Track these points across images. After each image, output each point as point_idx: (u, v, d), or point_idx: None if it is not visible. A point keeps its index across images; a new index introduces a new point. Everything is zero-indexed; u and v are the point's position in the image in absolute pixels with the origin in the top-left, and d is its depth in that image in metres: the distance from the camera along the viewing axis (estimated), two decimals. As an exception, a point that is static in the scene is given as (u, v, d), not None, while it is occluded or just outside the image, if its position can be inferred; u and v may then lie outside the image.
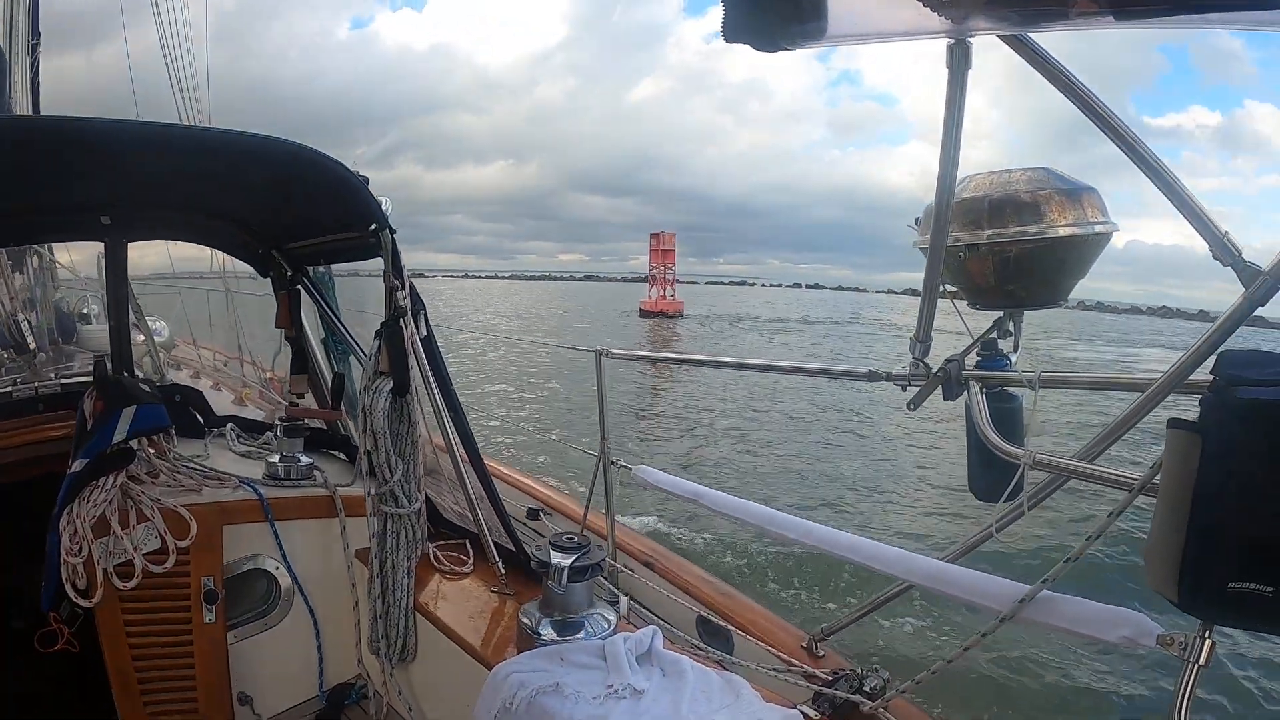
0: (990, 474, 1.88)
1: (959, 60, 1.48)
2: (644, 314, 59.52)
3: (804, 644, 2.35)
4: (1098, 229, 1.84)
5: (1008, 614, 1.55)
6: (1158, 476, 1.29)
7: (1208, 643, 1.24)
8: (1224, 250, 1.44)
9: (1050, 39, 1.45)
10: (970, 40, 1.45)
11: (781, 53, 1.35)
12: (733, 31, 1.27)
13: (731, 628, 2.47)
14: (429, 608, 2.23)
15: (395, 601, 2.26)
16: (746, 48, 1.34)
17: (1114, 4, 1.08)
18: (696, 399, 17.51)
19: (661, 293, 60.75)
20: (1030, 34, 1.41)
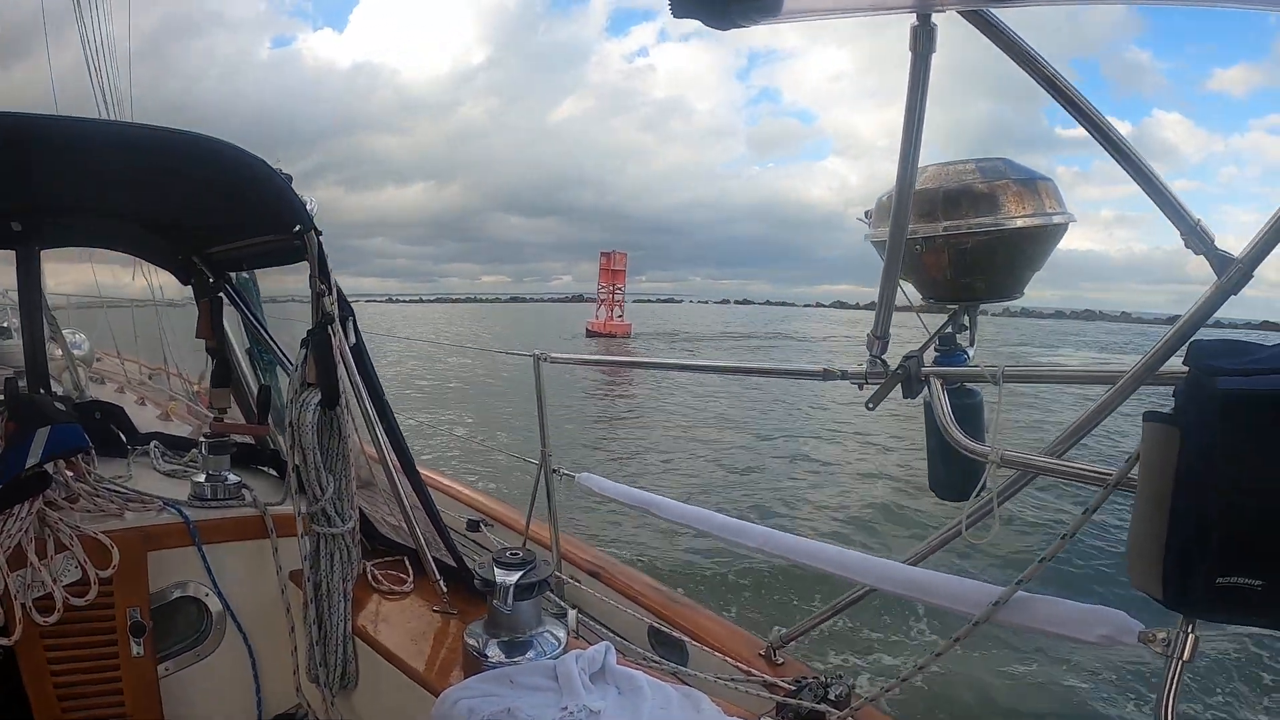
0: (952, 472, 1.84)
1: (923, 41, 1.42)
2: (590, 334, 58.51)
3: (762, 652, 2.27)
4: (1055, 220, 1.81)
5: (981, 617, 1.50)
6: (1133, 471, 1.27)
7: (1191, 637, 1.21)
8: (1197, 238, 1.41)
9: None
10: (935, 24, 1.39)
11: (734, 29, 1.28)
12: (681, 4, 1.17)
13: (685, 637, 2.39)
14: (369, 631, 2.10)
15: (332, 626, 2.13)
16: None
17: None
18: (646, 407, 17.39)
19: (609, 314, 59.84)
20: (995, 10, 1.36)
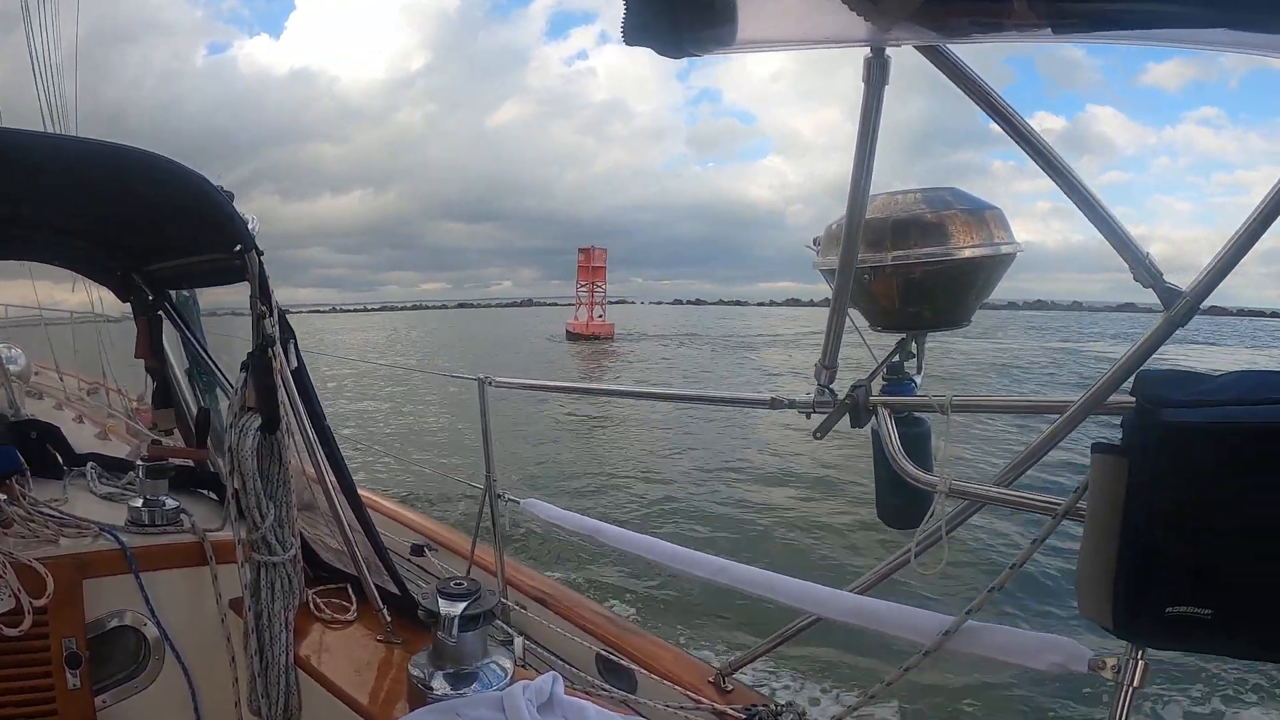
0: (900, 501, 1.84)
1: (877, 72, 1.42)
2: (571, 337, 55.85)
3: (711, 679, 2.25)
4: (1004, 249, 1.83)
5: (931, 646, 1.51)
6: (1082, 501, 1.29)
7: (1141, 664, 1.23)
8: (1145, 272, 1.42)
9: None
10: (889, 56, 1.40)
11: (687, 58, 1.28)
12: (634, 33, 1.18)
13: (634, 665, 2.36)
14: (311, 662, 2.05)
15: (274, 657, 2.06)
16: (647, 52, 1.25)
17: (1052, 17, 1.04)
18: (600, 427, 17.19)
19: (590, 314, 57.21)
20: (951, 45, 1.37)
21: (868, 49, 1.41)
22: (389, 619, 2.17)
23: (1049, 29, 1.06)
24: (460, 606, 1.69)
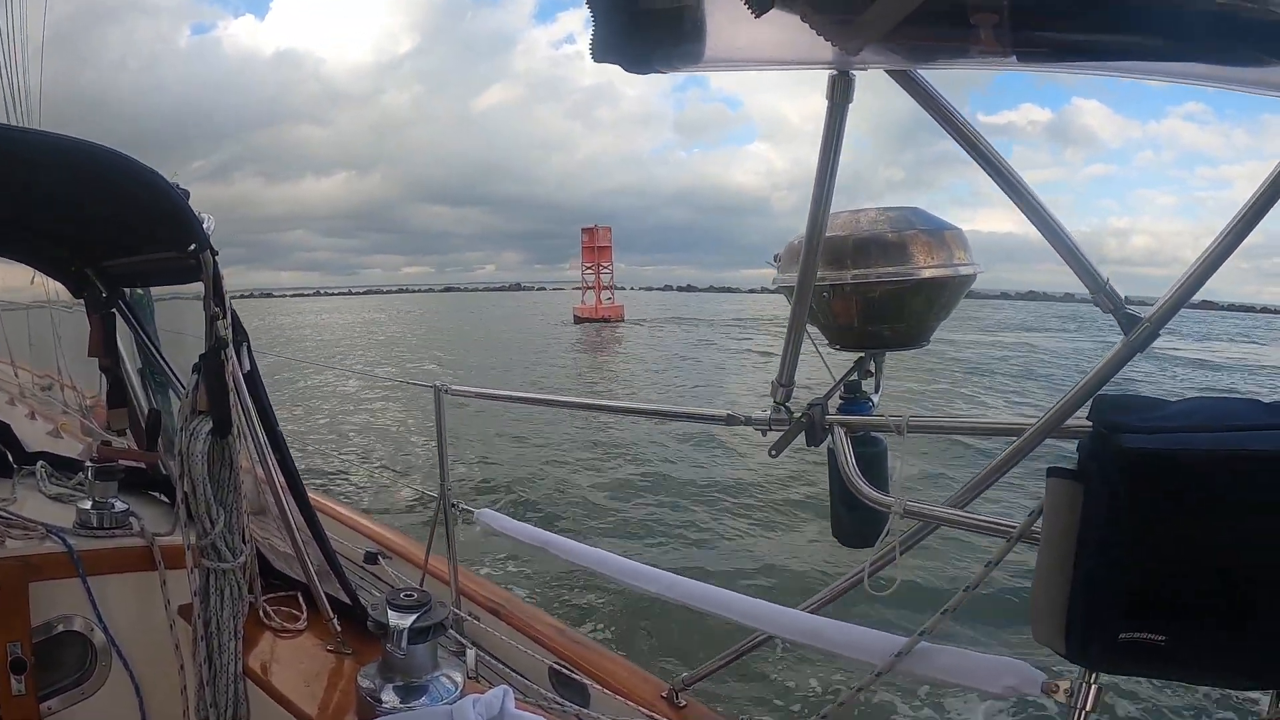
0: (855, 520, 1.84)
1: (841, 93, 1.43)
2: (579, 321, 53.47)
3: (664, 694, 2.24)
4: (963, 270, 1.84)
5: (884, 668, 1.51)
6: (1036, 524, 1.28)
7: (1094, 688, 1.23)
8: (1106, 297, 1.44)
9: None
10: (854, 75, 1.40)
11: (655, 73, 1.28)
12: (602, 50, 1.19)
13: (587, 679, 2.35)
14: (260, 672, 2.01)
15: (222, 666, 2.02)
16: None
17: (1017, 46, 1.05)
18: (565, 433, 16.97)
19: (598, 297, 54.77)
20: (919, 69, 1.38)
21: (831, 69, 1.41)
22: (339, 629, 2.13)
23: (1014, 57, 1.08)
24: (410, 619, 1.67)
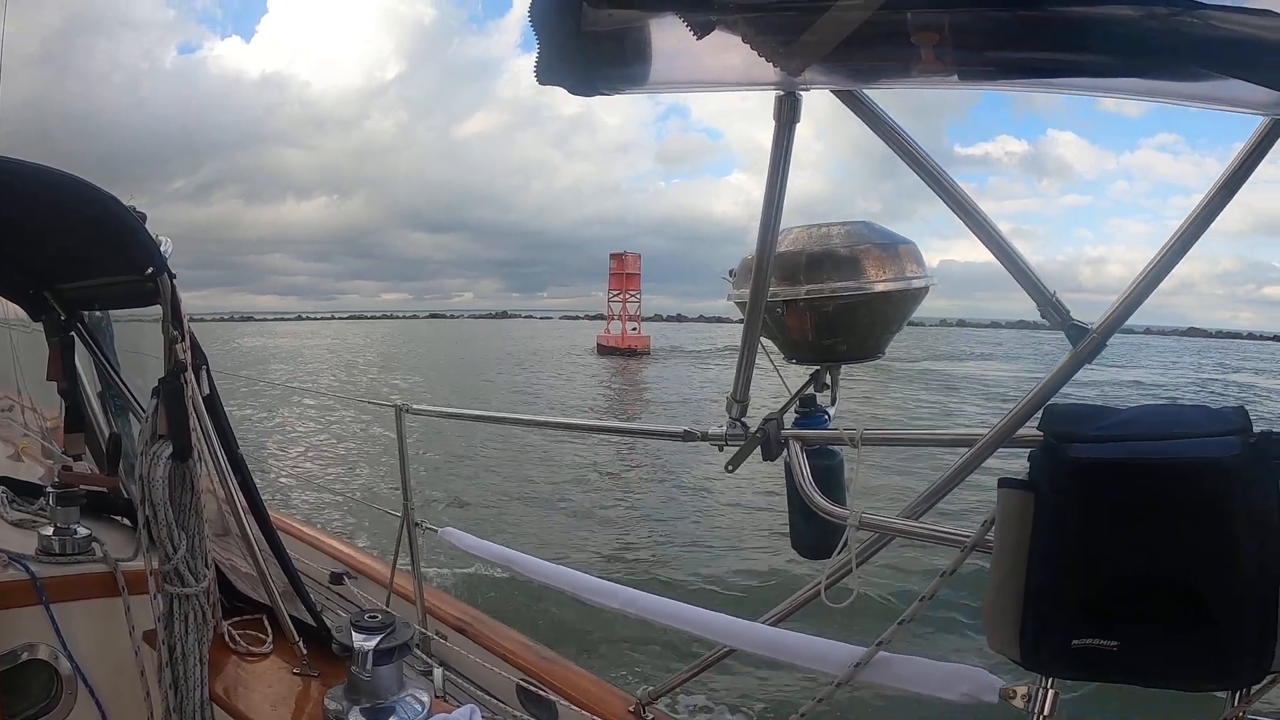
0: (814, 532, 1.86)
1: (787, 113, 1.44)
2: (603, 351, 51.33)
3: (631, 708, 2.25)
4: (915, 284, 1.86)
5: (844, 678, 1.53)
6: (989, 534, 1.30)
7: (1051, 693, 1.26)
8: (1053, 310, 1.46)
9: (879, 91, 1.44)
10: (800, 95, 1.41)
11: (599, 96, 1.28)
12: (547, 73, 1.19)
13: (554, 696, 2.35)
14: (227, 697, 1.99)
15: (188, 692, 1.99)
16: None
17: (958, 64, 1.07)
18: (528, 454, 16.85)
19: (624, 326, 52.02)
20: (864, 89, 1.39)
21: (778, 90, 1.42)
22: (305, 651, 2.12)
23: (955, 76, 1.09)
24: (374, 640, 1.66)
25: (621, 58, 1.20)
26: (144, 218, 1.99)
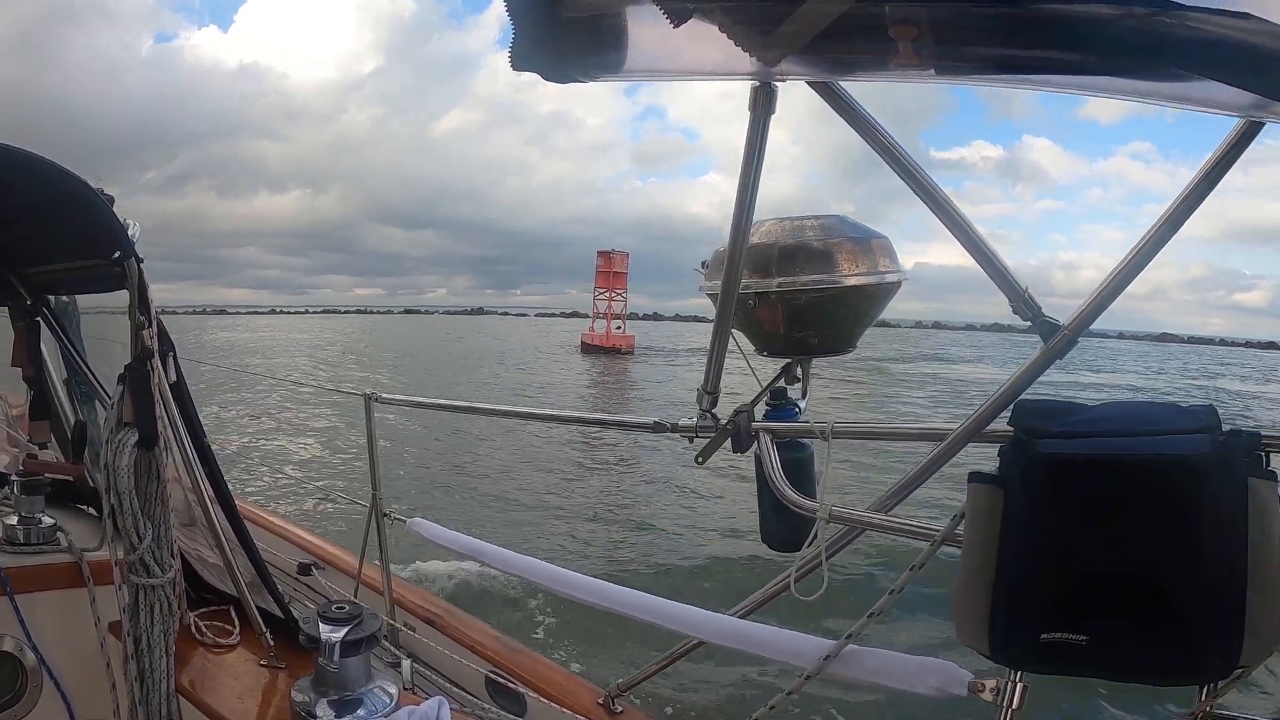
0: (783, 525, 1.85)
1: (762, 103, 1.44)
2: (586, 350, 50.74)
3: (601, 700, 2.25)
4: (889, 279, 1.87)
5: (813, 671, 1.53)
6: (959, 528, 1.30)
7: (1020, 686, 1.26)
8: (1025, 306, 1.47)
9: (855, 86, 1.44)
10: (776, 85, 1.41)
11: (573, 84, 1.28)
12: (521, 59, 1.18)
13: (523, 688, 2.33)
14: (193, 689, 1.96)
15: (154, 684, 1.96)
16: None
17: (935, 58, 1.07)
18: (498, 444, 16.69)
19: (608, 325, 51.41)
20: (840, 81, 1.39)
21: (754, 81, 1.42)
22: (272, 643, 2.10)
23: (932, 70, 1.09)
24: (341, 631, 1.64)
25: (597, 45, 1.19)
26: (112, 200, 1.95)
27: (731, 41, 1.10)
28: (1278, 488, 1.10)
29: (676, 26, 1.04)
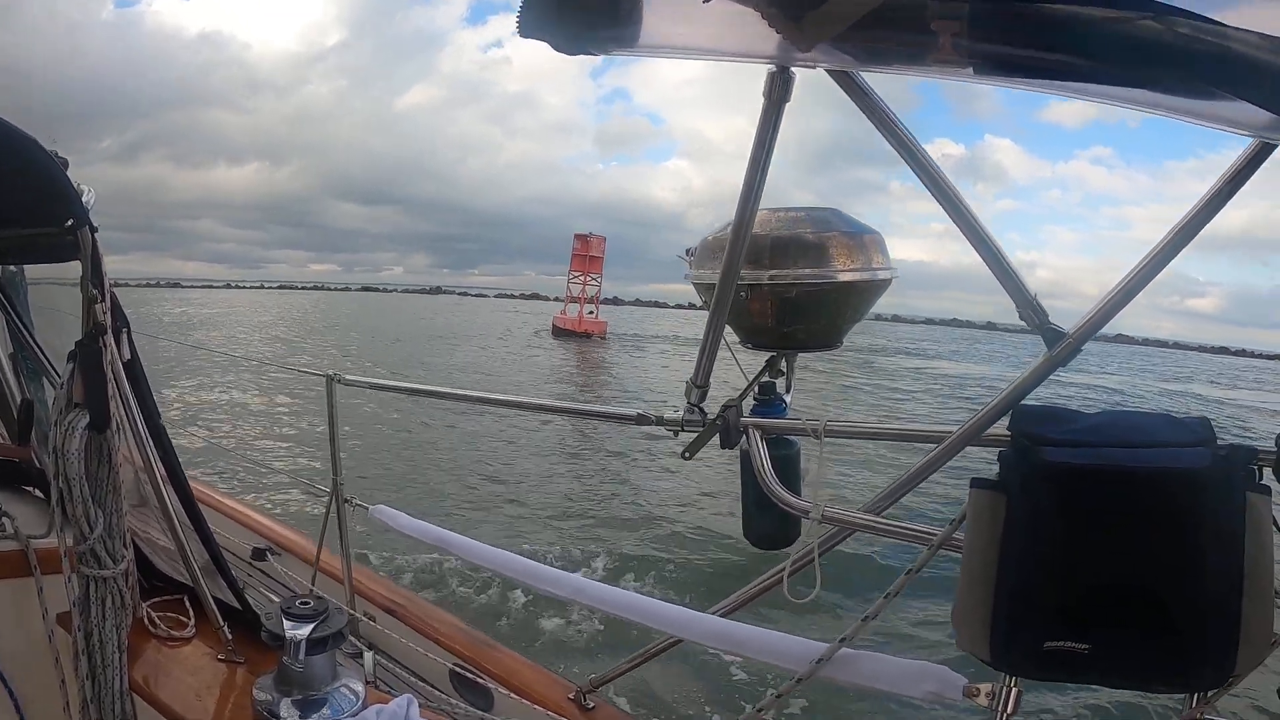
0: (769, 523, 1.83)
1: (780, 89, 1.40)
2: (558, 333, 50.09)
3: (572, 696, 2.19)
4: (880, 275, 1.84)
5: (805, 674, 1.51)
6: (957, 532, 1.31)
7: (1015, 691, 1.26)
8: (1032, 312, 1.47)
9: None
10: (794, 72, 1.37)
11: (584, 56, 1.23)
12: (531, 26, 1.13)
13: (490, 682, 2.28)
14: (147, 686, 1.87)
15: (107, 681, 1.87)
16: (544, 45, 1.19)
17: (974, 57, 1.04)
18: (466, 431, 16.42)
19: (581, 309, 50.73)
20: (861, 71, 1.36)
21: (771, 65, 1.38)
22: (230, 636, 2.02)
23: (970, 69, 1.07)
24: (307, 629, 1.57)
25: (615, 16, 1.15)
26: (66, 164, 1.83)
27: (762, 22, 1.07)
28: (1271, 502, 1.13)
29: (706, 2, 1.01)
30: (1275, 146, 1.17)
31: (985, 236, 1.46)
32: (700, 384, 1.80)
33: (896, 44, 1.12)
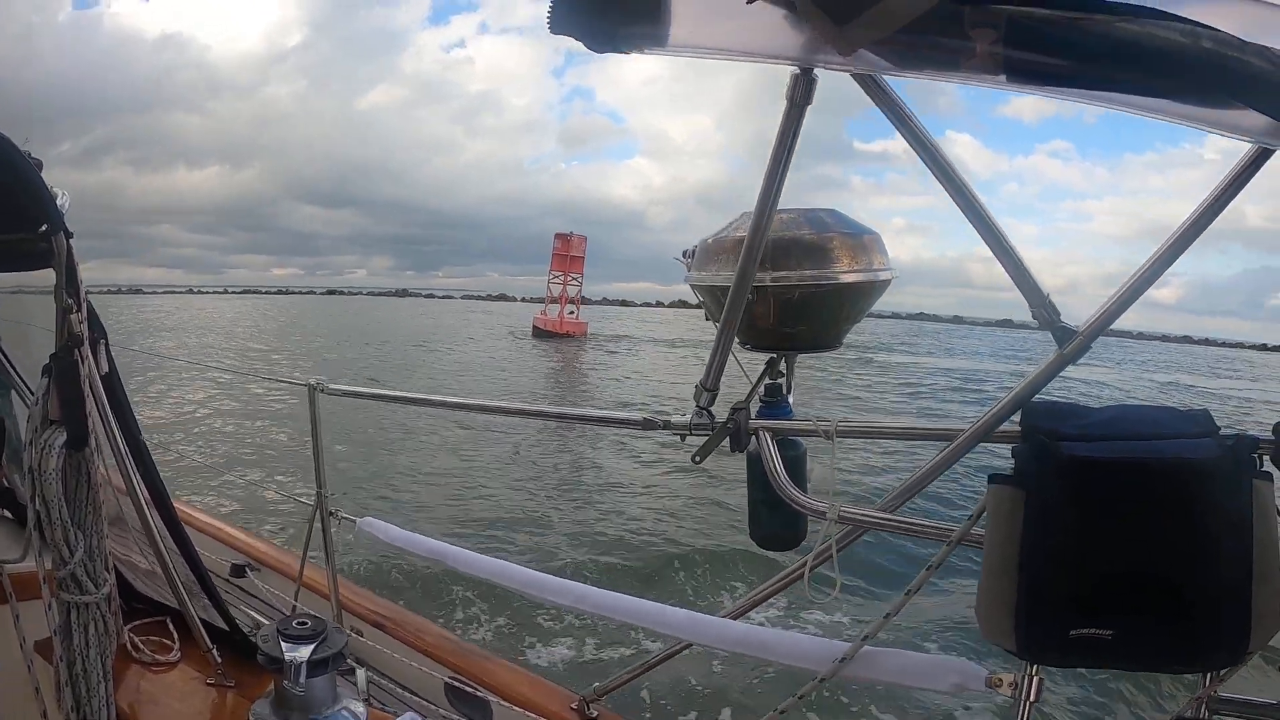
0: (777, 524, 1.83)
1: (803, 91, 1.40)
2: (538, 334, 49.81)
3: (574, 706, 2.16)
4: (882, 276, 1.84)
5: (828, 673, 1.54)
6: (975, 528, 1.36)
7: (1037, 679, 1.30)
8: (1044, 311, 1.50)
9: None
10: (818, 74, 1.38)
11: (613, 54, 1.23)
12: (561, 22, 1.14)
13: (488, 694, 2.23)
14: (135, 715, 1.80)
15: (93, 712, 1.78)
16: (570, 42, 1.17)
17: (1008, 65, 1.04)
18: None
19: (561, 310, 50.52)
20: (886, 76, 1.38)
21: (795, 67, 1.38)
22: (219, 659, 1.95)
23: (1003, 76, 1.08)
24: (307, 650, 1.51)
25: (650, 14, 1.16)
26: (40, 165, 1.74)
27: (798, 25, 1.09)
28: (1273, 487, 1.20)
29: (751, 2, 1.02)
30: (1273, 151, 1.22)
31: (1001, 237, 1.49)
32: (710, 387, 1.79)
33: (932, 49, 1.12)
